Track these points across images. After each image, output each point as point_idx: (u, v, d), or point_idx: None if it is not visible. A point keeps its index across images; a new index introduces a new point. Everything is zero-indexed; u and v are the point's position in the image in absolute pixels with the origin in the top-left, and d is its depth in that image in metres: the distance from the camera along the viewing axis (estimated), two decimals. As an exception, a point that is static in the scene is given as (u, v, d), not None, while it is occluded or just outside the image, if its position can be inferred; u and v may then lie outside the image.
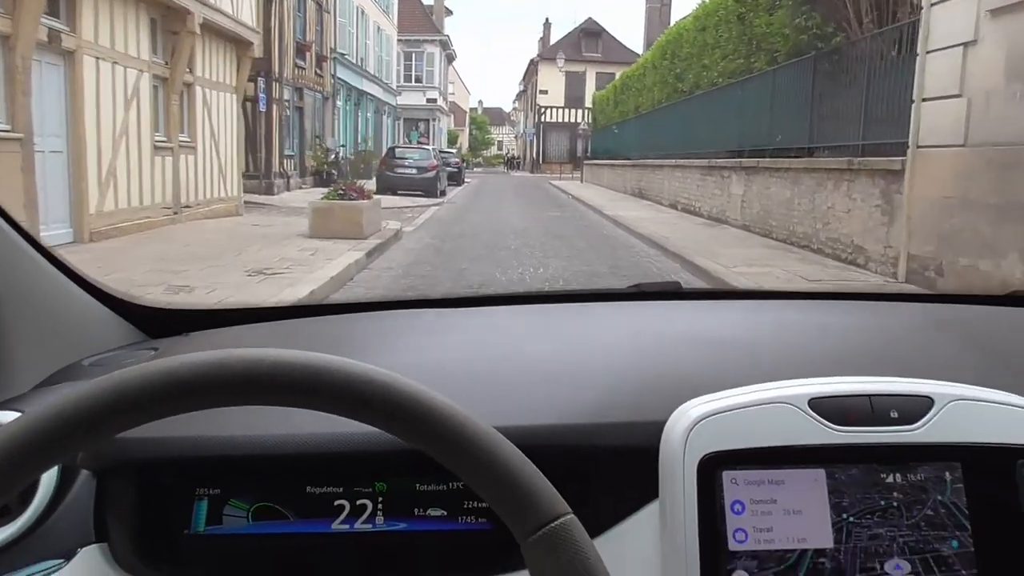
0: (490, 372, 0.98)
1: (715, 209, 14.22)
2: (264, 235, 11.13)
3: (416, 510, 0.86)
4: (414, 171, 22.29)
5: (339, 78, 27.32)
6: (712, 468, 0.78)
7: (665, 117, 19.85)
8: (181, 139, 12.65)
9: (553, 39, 54.09)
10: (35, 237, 1.01)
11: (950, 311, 1.30)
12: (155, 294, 6.39)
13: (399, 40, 46.76)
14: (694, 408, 0.82)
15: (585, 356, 1.04)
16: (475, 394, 0.87)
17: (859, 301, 1.39)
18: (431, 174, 22.40)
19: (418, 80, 49.13)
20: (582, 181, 33.85)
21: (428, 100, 49.06)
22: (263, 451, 0.83)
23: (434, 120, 49.87)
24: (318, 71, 24.66)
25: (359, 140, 31.14)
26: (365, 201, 11.23)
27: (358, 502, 0.86)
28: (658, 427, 0.82)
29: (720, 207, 13.91)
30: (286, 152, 21.29)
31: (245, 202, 15.69)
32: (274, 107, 20.05)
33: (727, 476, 0.78)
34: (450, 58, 56.10)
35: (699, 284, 7.92)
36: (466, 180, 34.69)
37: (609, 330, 1.17)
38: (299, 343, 0.97)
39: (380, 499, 0.86)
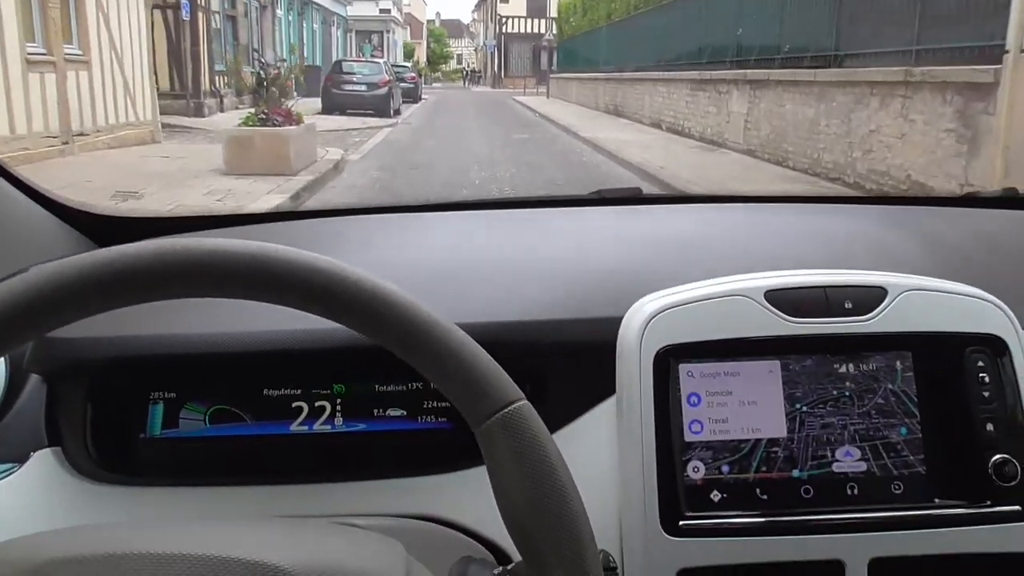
0: (449, 271, 0.99)
1: (710, 130, 12.32)
2: (173, 171, 9.03)
3: (376, 411, 0.86)
4: (363, 88, 19.88)
5: (278, -17, 24.53)
6: (668, 361, 0.80)
7: (644, 24, 17.69)
8: (68, 51, 10.34)
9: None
10: None
11: (906, 212, 1.31)
12: None
13: (347, -57, 43.34)
14: (650, 303, 0.83)
15: (545, 257, 1.05)
16: (433, 292, 0.83)
17: (818, 204, 1.42)
18: (383, 91, 20.02)
19: (370, -11, 45.75)
20: (548, 96, 31.55)
21: (381, 10, 45.81)
22: (218, 349, 0.82)
23: (388, 32, 46.73)
24: (252, -26, 21.91)
25: (304, 53, 28.41)
26: (294, 127, 9.15)
27: (316, 404, 0.86)
28: (615, 323, 0.84)
29: (716, 128, 12.00)
30: (218, 67, 18.81)
31: (167, 126, 13.43)
32: (200, 16, 17.50)
33: (683, 369, 0.80)
34: (404, -36, 52.51)
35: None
36: (423, 96, 32.21)
37: (569, 232, 1.17)
38: None
39: (339, 400, 0.86)
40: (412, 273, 0.94)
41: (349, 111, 19.44)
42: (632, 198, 1.38)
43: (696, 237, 1.11)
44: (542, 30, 47.84)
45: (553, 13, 47.98)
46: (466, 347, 0.54)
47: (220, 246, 0.52)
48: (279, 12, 24.83)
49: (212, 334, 0.82)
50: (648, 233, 1.14)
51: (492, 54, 50.86)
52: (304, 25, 28.69)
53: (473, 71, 68.47)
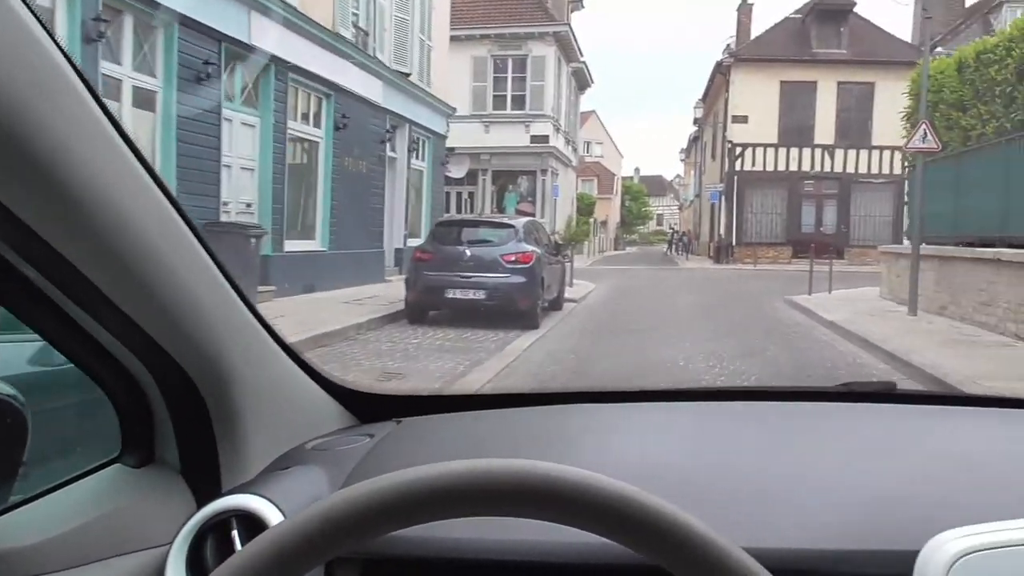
0: (712, 481, 0.95)
1: None
2: None
3: None
4: None
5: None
6: None
7: None
8: None
9: (756, 31, 31.77)
10: (264, 317, 1.02)
11: None
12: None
13: (479, 35, 26.59)
14: (954, 540, 0.74)
15: (808, 467, 0.99)
16: (703, 508, 0.78)
17: None
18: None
19: (517, 105, 28.36)
20: (914, 312, 11.05)
21: (534, 138, 28.11)
22: (486, 556, 0.84)
23: (546, 173, 28.75)
24: None
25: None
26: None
27: None
28: (909, 557, 0.76)
29: None
30: None
31: None
32: None
33: None
34: (580, 80, 35.27)
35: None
36: (569, 300, 13.17)
37: (823, 437, 1.10)
38: (505, 436, 1.14)
39: None
40: (673, 481, 0.92)
41: None
42: (885, 393, 1.28)
43: (984, 453, 1.01)
44: (803, 166, 28.02)
45: (825, 139, 28.19)
46: None
47: (537, 471, 0.55)
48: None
49: (481, 540, 0.83)
50: (918, 442, 1.06)
51: (716, 205, 31.20)
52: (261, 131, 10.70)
53: (680, 234, 50.00)
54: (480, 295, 9.88)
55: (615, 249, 58.25)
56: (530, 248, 10.28)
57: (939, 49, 22.31)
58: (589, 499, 0.55)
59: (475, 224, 11.25)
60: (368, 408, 1.21)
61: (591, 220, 41.43)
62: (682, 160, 60.01)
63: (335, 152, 13.36)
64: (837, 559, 0.80)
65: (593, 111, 70.18)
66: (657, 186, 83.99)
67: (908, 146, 10.97)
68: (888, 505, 0.87)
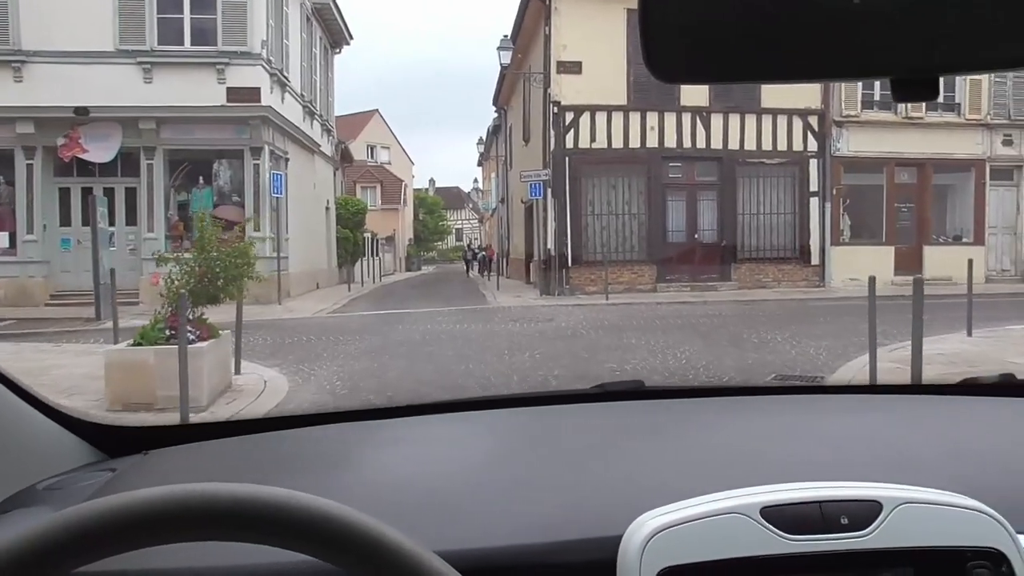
0: (443, 489, 0.99)
1: None
2: None
3: None
4: None
5: None
6: None
7: None
8: None
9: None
10: None
11: (900, 403, 1.32)
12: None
13: None
14: (649, 521, 0.82)
15: (542, 467, 1.05)
16: (427, 515, 0.88)
17: (821, 395, 1.42)
18: None
19: (202, 37, 16.51)
20: None
21: (234, 93, 16.39)
22: None
23: (260, 155, 17.04)
24: None
25: None
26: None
27: None
28: (614, 541, 0.82)
29: None
30: None
31: None
32: None
33: None
34: (331, 28, 23.81)
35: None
36: None
37: (569, 435, 1.19)
38: (253, 462, 1.12)
39: None
40: (404, 492, 0.96)
41: None
42: (635, 391, 1.39)
43: (697, 439, 1.13)
44: (668, 140, 18.22)
45: (696, 100, 18.49)
46: None
47: (229, 492, 0.55)
48: None
49: (200, 568, 0.80)
50: (649, 435, 1.16)
51: (538, 208, 20.50)
52: None
53: (475, 251, 40.51)
54: None
55: (407, 270, 47.50)
56: None
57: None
58: (276, 516, 0.55)
59: None
60: (116, 442, 1.16)
61: (363, 234, 30.09)
62: (480, 160, 49.68)
63: None
64: (541, 551, 0.83)
65: (376, 110, 59.77)
66: (455, 199, 75.80)
67: None
68: (602, 494, 0.92)
